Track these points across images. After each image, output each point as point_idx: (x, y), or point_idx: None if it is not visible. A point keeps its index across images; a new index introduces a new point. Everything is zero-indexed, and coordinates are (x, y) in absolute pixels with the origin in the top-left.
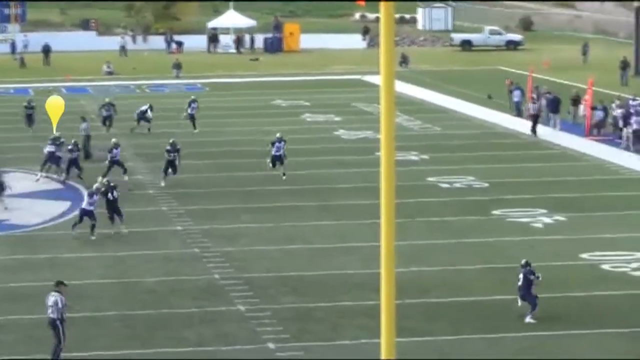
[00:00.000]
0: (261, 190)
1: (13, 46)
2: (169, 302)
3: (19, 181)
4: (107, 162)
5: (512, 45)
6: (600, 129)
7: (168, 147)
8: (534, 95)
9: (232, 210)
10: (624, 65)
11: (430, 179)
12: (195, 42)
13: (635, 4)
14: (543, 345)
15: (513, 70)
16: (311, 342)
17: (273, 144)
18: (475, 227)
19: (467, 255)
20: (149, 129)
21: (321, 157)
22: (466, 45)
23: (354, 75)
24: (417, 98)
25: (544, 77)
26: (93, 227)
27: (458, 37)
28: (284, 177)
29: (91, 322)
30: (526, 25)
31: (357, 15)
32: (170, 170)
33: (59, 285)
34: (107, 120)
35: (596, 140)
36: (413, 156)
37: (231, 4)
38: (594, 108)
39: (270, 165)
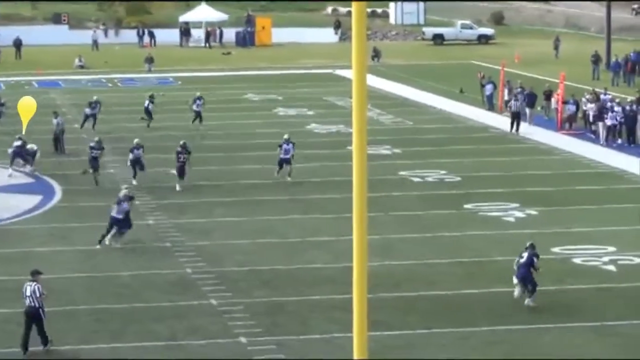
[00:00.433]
0: (233, 184)
1: None
2: (141, 296)
3: None
4: (128, 162)
5: (483, 39)
6: (572, 123)
7: (179, 149)
8: (516, 92)
9: (204, 204)
10: (596, 60)
11: (402, 172)
12: (167, 36)
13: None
14: (513, 339)
15: (485, 64)
16: (283, 335)
17: (280, 146)
18: (447, 221)
19: (439, 249)
20: (147, 123)
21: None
22: (438, 39)
23: (326, 69)
24: (389, 92)
25: (515, 72)
26: (122, 234)
27: (430, 31)
28: (288, 179)
29: (63, 316)
30: (498, 19)
31: (329, 9)
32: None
33: (35, 274)
34: (90, 118)
35: (568, 135)
36: (385, 150)
37: None
38: (565, 102)
39: (278, 168)
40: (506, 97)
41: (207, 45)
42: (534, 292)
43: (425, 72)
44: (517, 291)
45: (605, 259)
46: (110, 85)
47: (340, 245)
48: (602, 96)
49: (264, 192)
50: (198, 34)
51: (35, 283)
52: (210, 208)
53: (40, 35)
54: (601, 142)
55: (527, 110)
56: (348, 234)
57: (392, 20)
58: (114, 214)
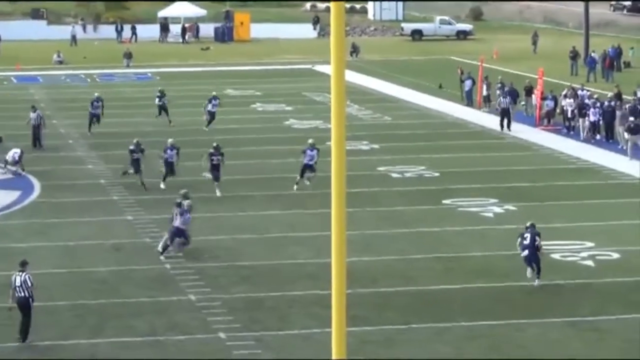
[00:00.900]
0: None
1: None
2: (120, 291)
3: None
4: (161, 164)
5: (462, 35)
6: (551, 119)
7: (211, 150)
8: (496, 88)
9: None
10: (574, 55)
11: (381, 168)
12: (146, 32)
13: None
14: (491, 334)
15: (463, 60)
16: (262, 331)
17: (304, 151)
18: (426, 216)
19: (418, 244)
20: (168, 120)
21: (272, 146)
22: (416, 35)
23: (305, 65)
24: (367, 88)
25: (494, 67)
26: (185, 245)
27: (408, 26)
28: (307, 182)
29: (42, 311)
30: (476, 15)
31: (308, 5)
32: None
33: (24, 264)
34: (94, 118)
35: (546, 130)
36: (364, 146)
37: None
38: (544, 98)
39: (299, 177)
40: (485, 93)
41: (184, 41)
42: (539, 273)
43: (404, 67)
44: (529, 272)
45: (584, 254)
46: (89, 80)
47: (320, 240)
48: (579, 92)
49: (244, 188)
50: (177, 29)
51: (25, 273)
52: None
53: (19, 30)
54: (582, 138)
55: (510, 107)
56: (327, 230)
57: (370, 15)
58: (178, 224)
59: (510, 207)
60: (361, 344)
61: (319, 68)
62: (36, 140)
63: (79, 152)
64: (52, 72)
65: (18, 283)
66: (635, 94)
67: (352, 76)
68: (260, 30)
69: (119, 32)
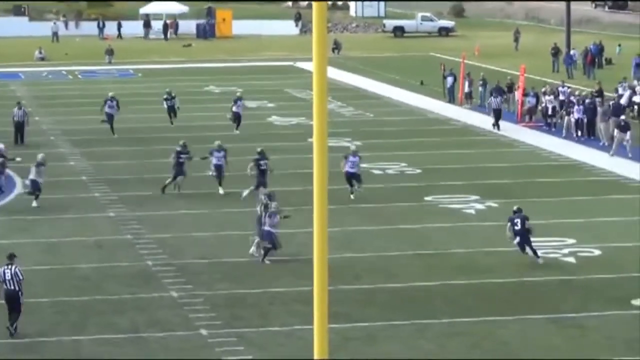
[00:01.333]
0: (194, 177)
1: None
2: (102, 288)
3: None
4: (212, 169)
5: (444, 31)
6: (532, 116)
7: (178, 149)
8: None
9: (165, 197)
10: (556, 52)
11: (362, 165)
12: (128, 29)
13: None
14: (473, 331)
15: (445, 56)
16: (244, 328)
17: (346, 157)
18: (407, 213)
19: (399, 241)
20: (170, 121)
21: (254, 143)
22: (398, 31)
23: (287, 62)
24: (349, 84)
25: (476, 64)
26: (274, 248)
27: (390, 23)
28: (352, 196)
29: (24, 308)
30: (458, 11)
31: (290, 2)
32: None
33: (13, 257)
34: (109, 118)
35: (528, 127)
36: (346, 142)
37: None
38: (525, 95)
39: (349, 187)
40: (466, 90)
41: (165, 37)
42: (536, 252)
43: (386, 64)
44: (530, 254)
45: (565, 251)
46: (70, 77)
47: (302, 237)
48: (560, 89)
49: (225, 185)
50: (158, 26)
51: (14, 266)
52: (170, 200)
53: (0, 27)
54: (563, 135)
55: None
56: (309, 227)
57: (352, 12)
58: (268, 227)
59: (492, 204)
60: (343, 340)
61: (301, 65)
62: (18, 136)
63: (61, 149)
64: (34, 68)
65: (8, 277)
66: (616, 90)
67: (334, 73)
68: (242, 27)
69: (101, 28)
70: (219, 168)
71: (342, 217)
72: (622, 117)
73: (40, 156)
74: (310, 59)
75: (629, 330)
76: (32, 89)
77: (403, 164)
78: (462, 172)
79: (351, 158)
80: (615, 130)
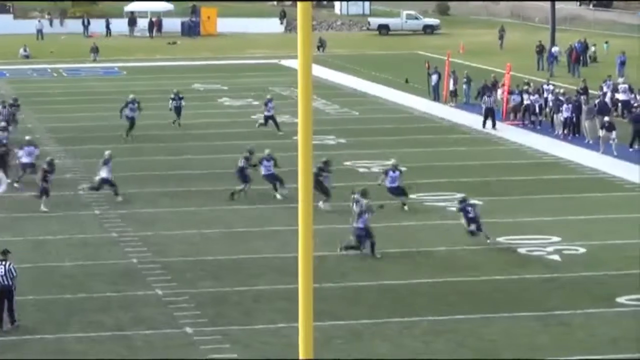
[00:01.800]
0: (179, 175)
1: None
2: (87, 286)
3: None
4: (263, 178)
5: (429, 29)
6: (517, 114)
7: (246, 155)
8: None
9: (150, 195)
10: (540, 50)
11: (347, 163)
12: (113, 26)
13: None
14: (458, 328)
15: (430, 54)
16: (229, 326)
17: (386, 172)
18: (392, 211)
19: (384, 239)
20: (177, 122)
21: (239, 141)
22: (383, 29)
23: (272, 60)
24: (334, 82)
25: (460, 62)
26: (373, 245)
27: (375, 21)
28: (406, 207)
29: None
30: (443, 9)
31: (275, 1)
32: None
33: (6, 253)
34: (130, 122)
35: (512, 125)
36: (330, 140)
37: None
38: (510, 92)
39: (402, 200)
40: (451, 87)
41: (150, 35)
42: (487, 235)
43: (371, 62)
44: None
45: (550, 248)
46: (55, 75)
47: (286, 235)
48: (544, 87)
49: (210, 183)
50: (143, 24)
51: (9, 262)
52: (155, 198)
53: None
54: (556, 132)
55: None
56: (293, 224)
57: (337, 10)
58: (358, 224)
59: (477, 202)
60: (328, 338)
61: (286, 63)
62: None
63: (46, 147)
64: (19, 66)
65: (2, 272)
66: (601, 88)
67: (319, 71)
68: (227, 25)
69: (86, 26)
70: (269, 177)
71: (327, 214)
72: (607, 119)
73: (107, 153)
74: (295, 57)
75: (613, 327)
76: (16, 87)
77: (388, 162)
78: (447, 169)
79: (391, 173)
80: (600, 130)
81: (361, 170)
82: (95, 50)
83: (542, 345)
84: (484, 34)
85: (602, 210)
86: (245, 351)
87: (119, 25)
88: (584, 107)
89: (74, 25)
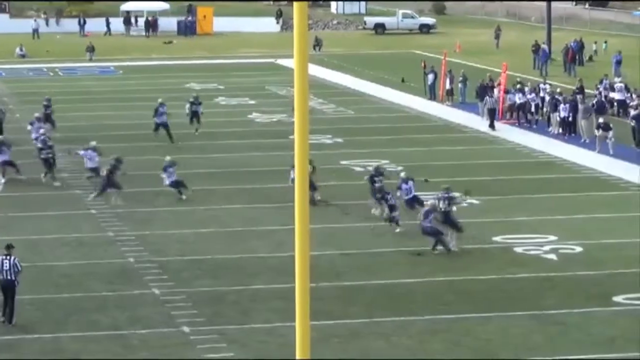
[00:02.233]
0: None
1: None
2: (83, 285)
3: None
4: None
5: (425, 28)
6: (513, 113)
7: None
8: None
9: (147, 194)
10: (536, 49)
11: (343, 162)
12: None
13: None
14: (454, 327)
15: (426, 54)
16: (225, 325)
17: (399, 187)
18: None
19: (381, 238)
20: (196, 129)
21: (235, 140)
22: (379, 28)
23: (268, 59)
24: (330, 81)
25: (456, 61)
26: (436, 243)
27: (371, 20)
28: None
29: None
30: (439, 8)
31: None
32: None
33: (10, 248)
34: (160, 127)
35: (509, 124)
36: (327, 139)
37: None
38: (506, 92)
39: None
40: (447, 87)
41: (147, 34)
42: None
43: (367, 61)
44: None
45: (546, 248)
46: (51, 74)
47: (283, 234)
48: (541, 86)
49: (207, 182)
50: (140, 23)
51: (13, 257)
52: (152, 197)
53: None
54: (554, 132)
55: (480, 104)
56: (289, 224)
57: (333, 9)
58: (426, 224)
59: (473, 201)
60: (325, 338)
61: (282, 62)
62: None
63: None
64: (15, 65)
65: (7, 267)
66: (597, 88)
67: (315, 70)
68: (223, 24)
69: (82, 25)
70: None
71: (324, 213)
72: (601, 120)
73: (168, 158)
74: (291, 56)
75: (610, 327)
76: (12, 86)
77: (384, 161)
78: (443, 168)
79: (404, 186)
80: (596, 130)
81: (357, 169)
82: (91, 49)
83: (538, 345)
84: (480, 33)
85: (598, 210)
86: (242, 350)
87: (115, 24)
88: (580, 107)
89: (70, 24)
